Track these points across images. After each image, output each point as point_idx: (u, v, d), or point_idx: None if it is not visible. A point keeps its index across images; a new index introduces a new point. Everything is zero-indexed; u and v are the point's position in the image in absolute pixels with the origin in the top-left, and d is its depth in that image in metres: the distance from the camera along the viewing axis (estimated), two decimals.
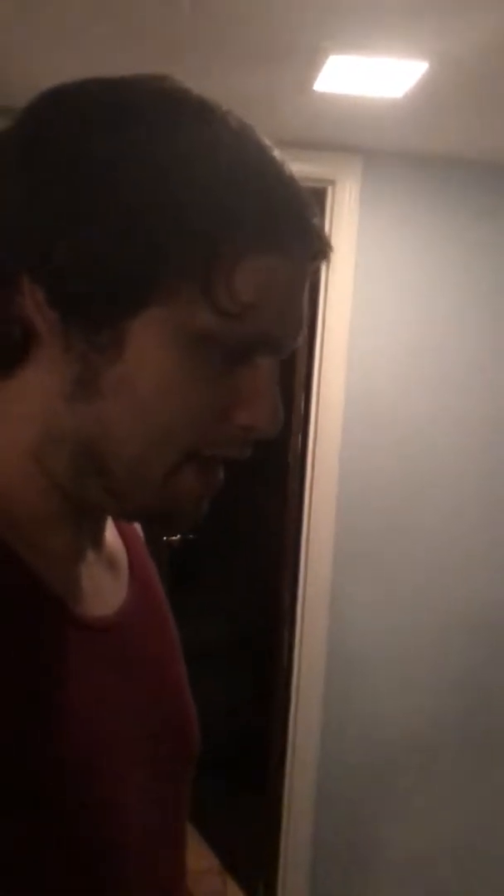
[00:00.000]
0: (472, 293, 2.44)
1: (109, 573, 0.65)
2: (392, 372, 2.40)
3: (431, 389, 2.43)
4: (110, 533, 0.67)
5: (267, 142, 0.54)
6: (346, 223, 2.38)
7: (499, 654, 2.50)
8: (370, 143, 2.31)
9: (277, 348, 0.56)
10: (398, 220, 2.40)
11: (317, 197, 2.37)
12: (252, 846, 2.46)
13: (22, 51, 1.81)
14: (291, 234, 0.54)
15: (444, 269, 2.42)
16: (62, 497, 0.58)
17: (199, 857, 0.82)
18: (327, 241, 0.56)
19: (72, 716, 0.54)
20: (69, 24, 1.66)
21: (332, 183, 2.39)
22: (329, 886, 2.50)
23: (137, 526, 0.77)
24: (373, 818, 2.49)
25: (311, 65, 1.77)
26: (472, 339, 2.45)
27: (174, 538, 2.76)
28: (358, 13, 1.56)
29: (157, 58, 1.79)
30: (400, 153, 2.35)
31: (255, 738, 2.64)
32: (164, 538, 2.63)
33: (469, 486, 2.46)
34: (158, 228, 0.51)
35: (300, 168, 2.22)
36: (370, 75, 1.80)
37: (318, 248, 0.56)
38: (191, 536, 2.68)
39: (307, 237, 0.55)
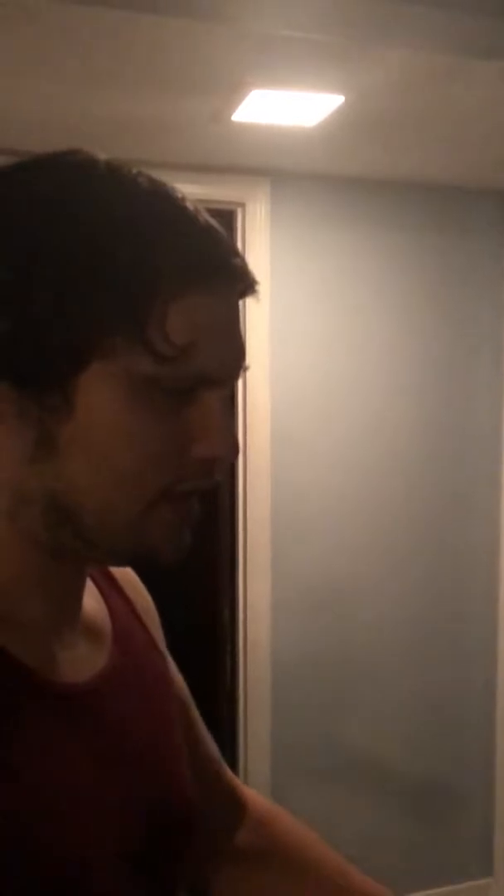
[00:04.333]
0: (382, 305, 2.55)
1: (87, 641, 0.65)
2: (312, 381, 2.48)
3: (351, 397, 2.53)
4: (92, 601, 0.68)
5: (179, 194, 0.58)
6: (257, 244, 2.44)
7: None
8: (279, 166, 2.37)
9: (220, 380, 0.59)
10: (308, 239, 2.48)
11: (226, 219, 2.41)
12: None
13: None
14: (213, 274, 0.57)
15: (355, 283, 2.53)
16: (39, 562, 0.59)
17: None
18: (250, 276, 0.59)
19: (36, 788, 0.55)
20: None
21: (242, 205, 2.45)
22: None
23: (143, 596, 0.77)
24: None
25: (232, 97, 1.81)
26: (386, 349, 2.56)
27: None
28: (281, 50, 1.61)
29: (84, 84, 1.79)
30: (307, 175, 2.43)
31: None
32: None
33: (401, 486, 2.58)
34: (89, 292, 0.54)
35: (210, 191, 2.25)
36: (288, 107, 1.87)
37: (243, 284, 0.59)
38: None
39: (228, 274, 0.58)
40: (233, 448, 0.59)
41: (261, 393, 2.42)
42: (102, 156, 0.58)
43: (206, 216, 0.58)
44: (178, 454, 0.57)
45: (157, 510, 0.58)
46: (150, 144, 2.17)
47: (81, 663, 0.63)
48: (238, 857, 0.83)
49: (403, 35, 1.55)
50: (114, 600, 0.71)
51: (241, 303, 0.61)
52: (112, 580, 0.73)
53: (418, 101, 1.87)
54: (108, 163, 0.57)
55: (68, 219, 0.54)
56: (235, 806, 0.84)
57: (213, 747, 0.84)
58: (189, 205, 0.57)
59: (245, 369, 0.61)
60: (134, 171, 0.57)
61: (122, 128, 2.04)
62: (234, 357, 0.60)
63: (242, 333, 0.61)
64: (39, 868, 0.53)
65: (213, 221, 0.58)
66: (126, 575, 0.76)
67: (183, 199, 0.57)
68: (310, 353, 2.49)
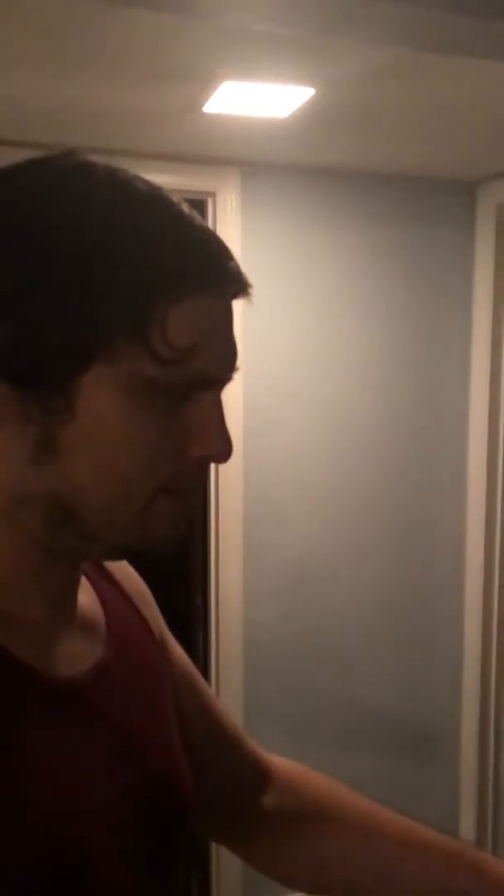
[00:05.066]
0: (352, 294, 2.58)
1: (82, 635, 0.66)
2: (284, 370, 2.51)
3: (323, 386, 2.56)
4: (84, 594, 0.69)
5: (175, 198, 0.59)
6: (228, 233, 2.46)
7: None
8: (250, 157, 2.38)
9: (217, 381, 0.61)
10: (278, 228, 2.50)
11: (197, 208, 2.42)
12: None
13: None
14: (212, 277, 0.58)
15: (324, 272, 2.55)
16: (36, 560, 0.61)
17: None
18: (245, 278, 0.60)
19: (36, 780, 0.56)
20: None
21: (213, 195, 2.47)
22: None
23: (135, 581, 0.78)
24: None
25: (204, 88, 1.82)
26: (357, 337, 2.59)
27: None
28: (252, 43, 1.63)
29: (57, 74, 1.79)
30: (278, 166, 2.44)
31: None
32: None
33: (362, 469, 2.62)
34: (91, 295, 0.54)
35: (181, 181, 2.25)
36: (259, 99, 1.88)
37: (237, 285, 0.60)
38: None
39: (225, 277, 0.59)
40: (228, 447, 0.61)
41: (232, 382, 2.43)
42: (99, 160, 0.58)
43: (200, 220, 0.59)
44: (176, 453, 0.59)
45: (156, 504, 0.59)
46: (123, 134, 2.17)
47: (78, 657, 0.64)
48: (270, 822, 0.84)
49: (372, 29, 1.57)
50: (106, 591, 0.72)
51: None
52: (103, 570, 0.74)
53: (387, 94, 1.89)
54: (105, 166, 0.58)
55: (69, 223, 0.55)
56: (259, 771, 0.85)
57: (226, 715, 0.85)
58: (185, 209, 0.58)
59: (237, 369, 0.62)
60: (130, 174, 0.58)
61: (95, 117, 2.04)
62: (230, 358, 0.61)
63: (234, 337, 0.62)
64: (41, 856, 0.54)
65: (206, 225, 0.59)
66: (117, 562, 0.77)
67: (179, 203, 0.58)
68: (281, 342, 2.51)
